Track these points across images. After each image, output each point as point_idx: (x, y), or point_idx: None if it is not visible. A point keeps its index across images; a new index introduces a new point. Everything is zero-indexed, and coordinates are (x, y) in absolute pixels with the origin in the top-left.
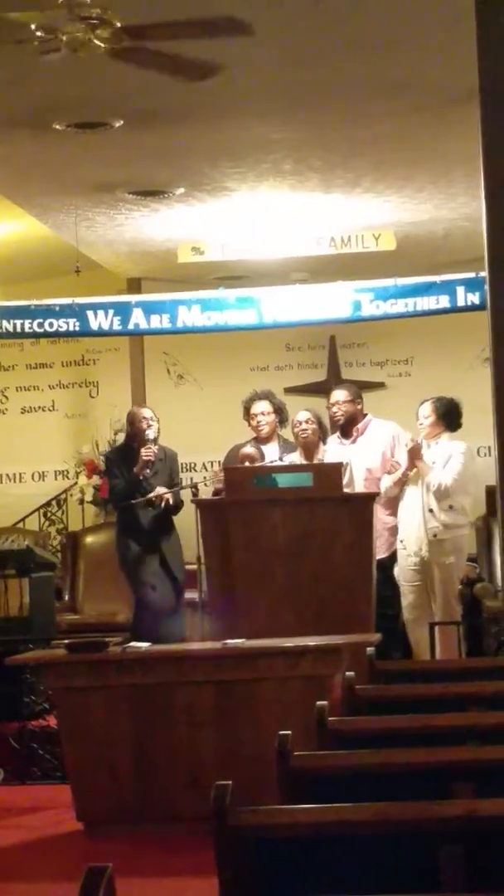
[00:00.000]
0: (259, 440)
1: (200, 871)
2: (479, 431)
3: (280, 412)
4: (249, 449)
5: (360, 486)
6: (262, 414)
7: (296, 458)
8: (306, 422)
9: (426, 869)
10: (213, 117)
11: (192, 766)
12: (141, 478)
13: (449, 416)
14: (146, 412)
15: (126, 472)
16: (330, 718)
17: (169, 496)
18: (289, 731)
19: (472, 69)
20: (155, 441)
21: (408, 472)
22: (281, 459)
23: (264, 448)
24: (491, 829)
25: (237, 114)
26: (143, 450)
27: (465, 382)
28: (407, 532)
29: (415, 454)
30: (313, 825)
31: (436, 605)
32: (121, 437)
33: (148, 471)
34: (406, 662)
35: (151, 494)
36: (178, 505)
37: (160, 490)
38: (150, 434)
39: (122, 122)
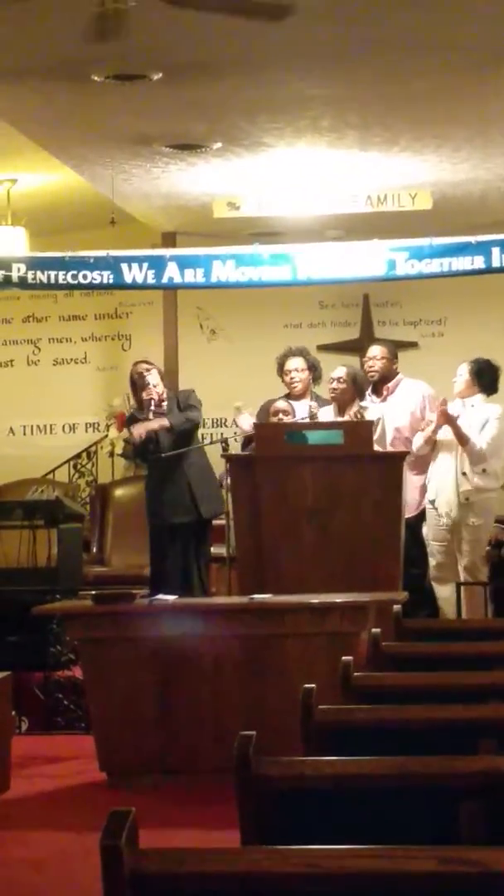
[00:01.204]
0: (291, 397)
1: (223, 823)
2: None
3: (314, 369)
4: (282, 403)
5: (387, 445)
6: (296, 371)
7: (330, 412)
8: (338, 380)
9: (446, 823)
10: (252, 72)
11: (217, 719)
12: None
13: (482, 375)
14: (141, 366)
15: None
16: (355, 674)
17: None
18: (313, 685)
19: None
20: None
21: (436, 431)
22: (314, 414)
23: (296, 404)
24: None
25: (276, 69)
26: (143, 392)
27: (498, 345)
28: (438, 493)
29: (444, 416)
30: (335, 777)
31: (461, 566)
32: None
33: (152, 410)
34: (432, 621)
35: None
36: (173, 428)
37: (143, 427)
38: (150, 379)
39: (160, 74)
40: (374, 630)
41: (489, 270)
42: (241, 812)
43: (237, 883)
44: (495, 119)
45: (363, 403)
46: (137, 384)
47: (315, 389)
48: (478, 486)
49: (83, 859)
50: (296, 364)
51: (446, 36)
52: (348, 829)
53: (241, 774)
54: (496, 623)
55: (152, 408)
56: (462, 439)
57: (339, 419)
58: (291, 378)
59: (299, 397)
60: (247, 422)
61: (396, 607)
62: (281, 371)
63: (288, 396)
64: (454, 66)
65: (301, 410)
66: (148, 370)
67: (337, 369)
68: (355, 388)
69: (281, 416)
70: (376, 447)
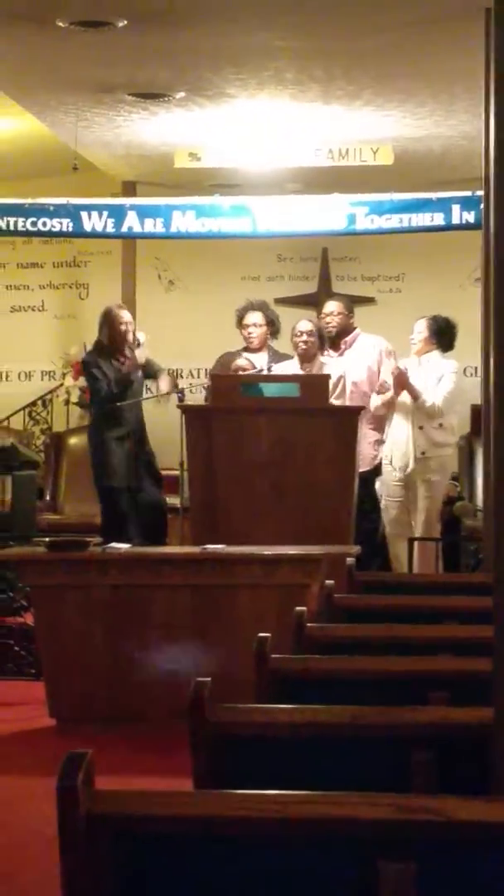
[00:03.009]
0: (249, 350)
1: (174, 770)
2: (468, 351)
3: (272, 324)
4: (242, 361)
5: (346, 400)
6: (255, 325)
7: (287, 367)
8: (308, 333)
9: (399, 772)
10: (216, 22)
11: (167, 668)
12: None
13: (441, 334)
14: (126, 315)
15: (110, 372)
16: (308, 625)
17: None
18: (268, 634)
19: None
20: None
21: (395, 397)
22: (269, 369)
23: (254, 357)
24: (463, 736)
25: (242, 19)
26: (137, 351)
27: (456, 302)
28: (394, 448)
29: (401, 383)
30: (290, 725)
31: (416, 522)
32: None
33: (140, 373)
34: (384, 574)
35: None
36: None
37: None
38: (142, 337)
39: (125, 21)
40: (327, 582)
41: (449, 227)
42: (195, 757)
43: (193, 825)
44: (459, 75)
45: (323, 359)
46: (115, 331)
47: (273, 344)
48: (434, 440)
49: (32, 803)
50: (254, 318)
51: None
52: (301, 776)
53: (196, 720)
54: (447, 578)
55: (138, 373)
56: (416, 396)
57: (302, 373)
58: (249, 332)
59: (256, 351)
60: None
61: (350, 560)
62: (240, 323)
63: (245, 349)
64: (421, 21)
65: (258, 363)
66: (130, 328)
67: (302, 322)
68: (320, 341)
69: (241, 373)
70: (336, 403)
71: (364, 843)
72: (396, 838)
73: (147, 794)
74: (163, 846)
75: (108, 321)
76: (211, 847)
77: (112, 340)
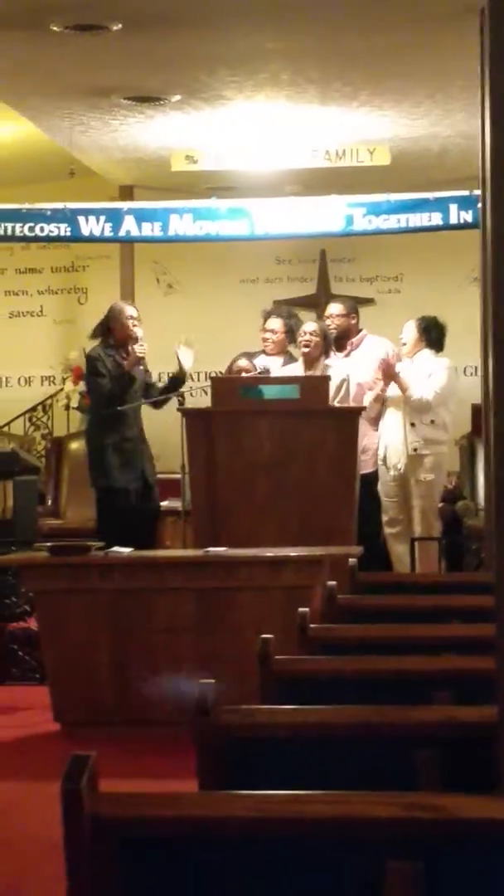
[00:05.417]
0: (266, 353)
1: (178, 773)
2: (467, 350)
3: (291, 332)
4: (243, 362)
5: (351, 402)
6: (272, 331)
7: (291, 369)
8: (311, 333)
9: (403, 771)
10: (212, 24)
11: (171, 671)
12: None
13: (429, 332)
14: (132, 310)
15: (113, 370)
16: (311, 625)
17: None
18: (271, 635)
19: None
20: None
21: (385, 389)
22: (266, 369)
23: (269, 362)
24: (468, 735)
25: (236, 21)
26: (136, 346)
27: (454, 301)
28: (387, 447)
29: (386, 372)
30: (294, 726)
31: (414, 521)
32: None
33: (141, 368)
34: (387, 575)
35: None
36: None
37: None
38: (140, 332)
39: (120, 25)
40: (329, 583)
41: (446, 227)
42: (200, 760)
43: (198, 827)
44: (455, 75)
45: (328, 361)
46: (121, 325)
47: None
48: (427, 437)
49: (39, 807)
50: (274, 325)
51: None
52: (305, 777)
53: (200, 722)
54: (449, 577)
55: (140, 366)
56: (404, 389)
57: (307, 374)
58: (266, 337)
59: (272, 355)
60: (186, 357)
61: (352, 561)
62: (262, 326)
63: (263, 352)
64: (416, 20)
65: (273, 367)
66: (137, 323)
67: (307, 323)
68: (325, 343)
69: (243, 374)
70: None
71: (371, 842)
72: (404, 837)
73: (152, 795)
74: (168, 848)
75: (114, 314)
76: (216, 848)
77: (118, 334)
